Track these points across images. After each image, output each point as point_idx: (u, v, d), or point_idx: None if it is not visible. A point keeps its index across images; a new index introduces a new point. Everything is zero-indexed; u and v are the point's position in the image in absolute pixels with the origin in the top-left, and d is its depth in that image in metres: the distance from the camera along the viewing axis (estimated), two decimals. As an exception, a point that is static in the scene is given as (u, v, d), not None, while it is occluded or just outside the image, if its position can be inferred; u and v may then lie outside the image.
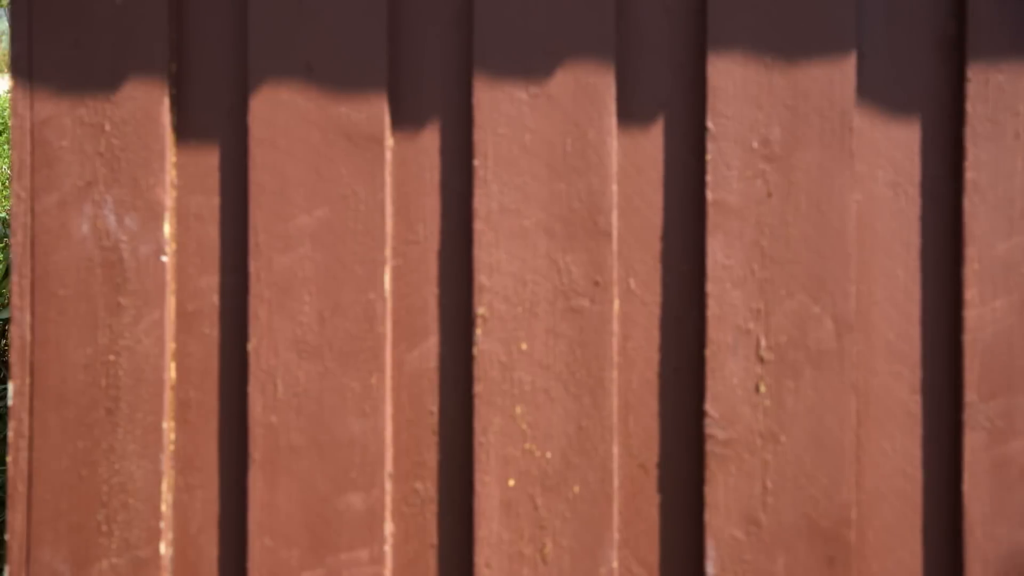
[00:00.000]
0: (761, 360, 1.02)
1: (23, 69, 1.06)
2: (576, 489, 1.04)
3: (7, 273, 4.37)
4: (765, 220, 1.03)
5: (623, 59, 1.05)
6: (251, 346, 1.06)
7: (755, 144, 1.03)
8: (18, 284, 1.06)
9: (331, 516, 1.05)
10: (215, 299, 1.08)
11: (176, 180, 1.07)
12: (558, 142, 1.04)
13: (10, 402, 1.07)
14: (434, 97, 1.07)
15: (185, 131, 1.08)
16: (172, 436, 1.07)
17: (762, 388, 1.02)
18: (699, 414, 1.04)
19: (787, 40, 1.02)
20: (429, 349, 1.07)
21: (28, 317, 1.06)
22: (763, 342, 1.02)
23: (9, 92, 1.06)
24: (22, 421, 1.06)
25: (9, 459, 1.06)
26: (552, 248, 1.04)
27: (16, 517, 1.06)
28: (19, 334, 1.06)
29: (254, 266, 1.06)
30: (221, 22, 1.07)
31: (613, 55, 1.03)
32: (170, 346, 1.06)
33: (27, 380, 1.06)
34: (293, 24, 1.06)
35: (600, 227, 1.04)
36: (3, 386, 4.78)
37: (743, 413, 1.02)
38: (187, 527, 1.08)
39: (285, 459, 1.06)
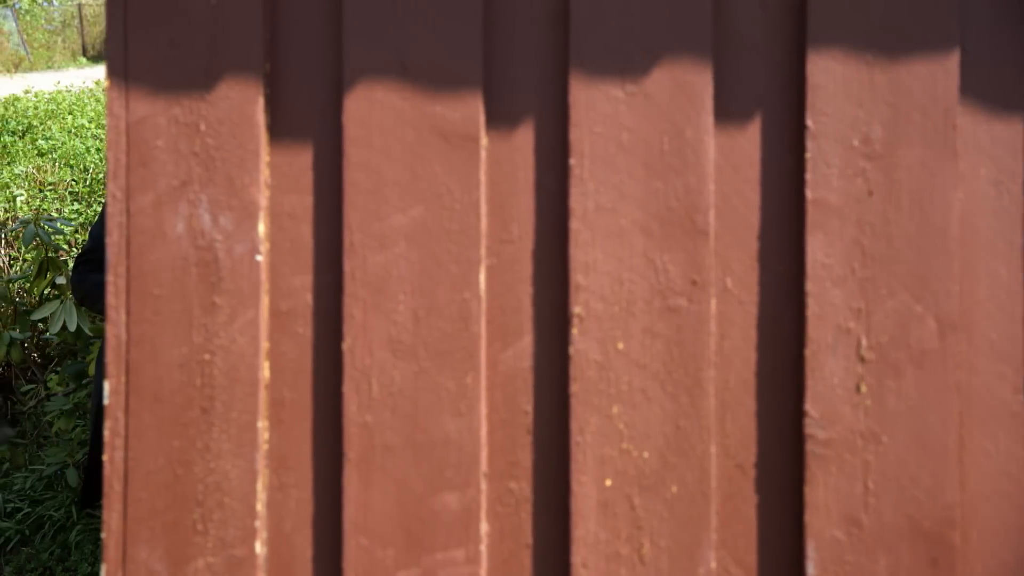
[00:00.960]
0: (862, 360, 1.01)
1: (118, 69, 1.06)
2: (674, 489, 1.03)
3: (39, 272, 4.40)
4: (866, 219, 1.02)
5: (720, 56, 1.04)
6: (346, 345, 1.06)
7: (856, 142, 1.02)
8: (114, 284, 1.07)
9: (426, 515, 1.05)
10: (308, 298, 1.08)
11: (269, 179, 1.07)
12: (655, 140, 1.04)
13: (106, 401, 1.07)
14: (529, 96, 1.06)
15: (279, 130, 1.08)
16: (266, 435, 1.07)
17: (863, 388, 1.01)
18: (797, 414, 1.03)
19: (889, 37, 1.01)
20: (523, 348, 1.06)
21: (124, 316, 1.06)
22: (864, 341, 1.01)
23: (105, 91, 1.06)
24: (118, 420, 1.06)
25: (105, 458, 1.07)
26: (649, 247, 1.04)
27: (112, 515, 1.06)
28: (115, 333, 1.06)
29: (349, 265, 1.06)
30: (315, 22, 1.07)
31: (710, 52, 1.03)
32: (264, 345, 1.07)
33: (123, 379, 1.06)
34: (388, 23, 1.05)
35: (698, 226, 1.03)
36: (30, 387, 4.82)
37: (843, 413, 1.01)
38: (281, 526, 1.08)
39: (380, 458, 1.05)
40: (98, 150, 6.31)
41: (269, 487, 1.07)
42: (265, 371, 1.07)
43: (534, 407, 1.06)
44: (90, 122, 7.14)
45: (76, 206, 5.86)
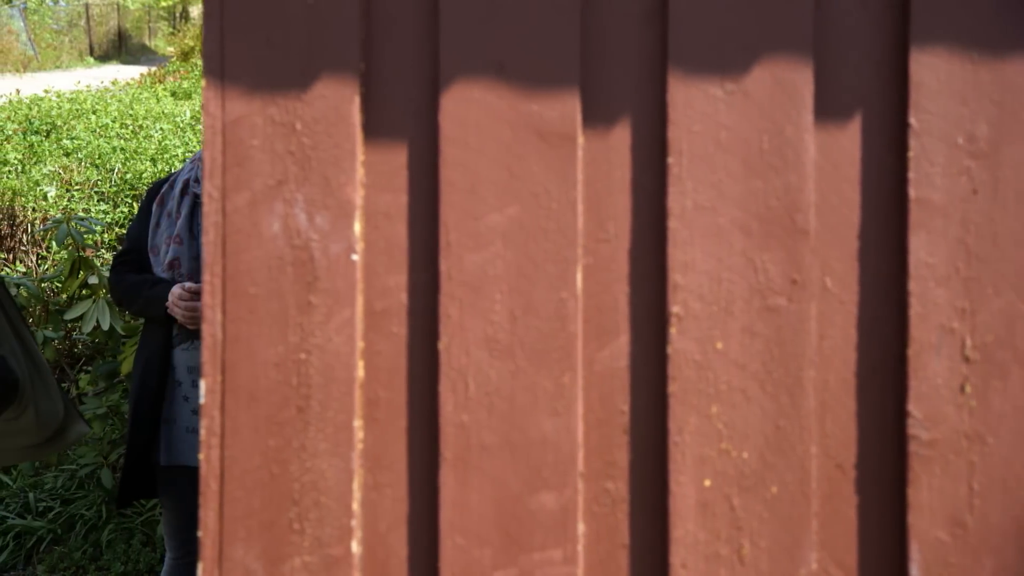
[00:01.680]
0: (967, 360, 1.01)
1: (215, 69, 1.06)
2: (774, 489, 1.03)
3: (71, 272, 4.42)
4: (971, 218, 1.01)
5: (820, 54, 1.03)
6: (442, 345, 1.06)
7: (960, 140, 1.01)
8: (210, 283, 1.07)
9: (523, 515, 1.05)
10: (403, 298, 1.08)
11: (364, 178, 1.07)
12: (754, 139, 1.03)
13: (202, 400, 1.08)
14: (626, 94, 1.06)
15: (373, 130, 1.08)
16: (361, 435, 1.07)
17: (967, 388, 1.01)
18: (898, 414, 1.03)
19: (995, 34, 1.01)
20: (620, 348, 1.06)
21: (219, 315, 1.06)
22: (969, 342, 1.01)
23: (206, 91, 1.06)
24: (214, 419, 1.07)
25: (201, 456, 1.07)
26: (748, 246, 1.03)
27: (209, 514, 1.07)
28: (210, 332, 1.07)
29: (445, 264, 1.06)
30: (411, 21, 1.07)
31: (811, 50, 1.02)
32: (359, 345, 1.07)
33: (219, 378, 1.07)
34: (485, 21, 1.05)
35: (798, 225, 1.03)
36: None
37: (947, 414, 1.01)
38: (376, 525, 1.08)
39: (476, 458, 1.05)
40: (123, 150, 6.34)
41: (364, 486, 1.07)
42: (360, 370, 1.07)
43: (631, 407, 1.06)
44: (113, 121, 7.18)
45: (103, 206, 5.89)
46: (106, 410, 4.34)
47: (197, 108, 7.27)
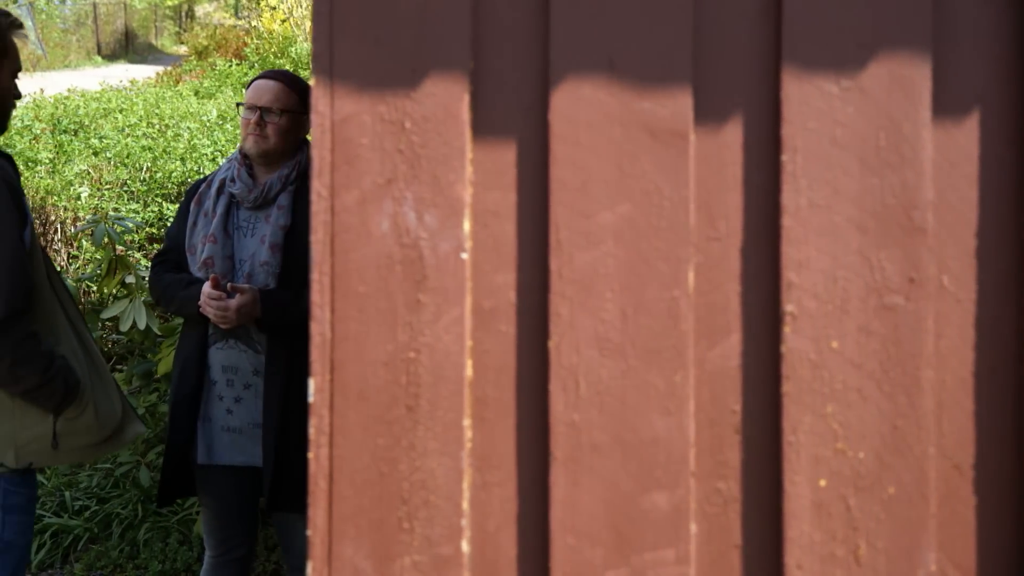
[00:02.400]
0: (1089, 359, 1.00)
1: (324, 67, 1.06)
2: (891, 490, 1.02)
3: (108, 271, 4.43)
4: (1093, 215, 1.00)
5: (939, 50, 1.03)
6: (552, 343, 1.05)
7: (1082, 137, 1.00)
8: (318, 281, 1.07)
9: (635, 515, 1.04)
10: (512, 296, 1.07)
11: (472, 177, 1.07)
12: (871, 136, 1.02)
13: (311, 399, 1.07)
14: (738, 91, 1.05)
15: (482, 128, 1.07)
16: (469, 434, 1.07)
17: (1090, 388, 1.00)
18: (1018, 414, 1.02)
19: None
20: (731, 347, 1.05)
21: (328, 314, 1.06)
22: (1091, 340, 1.00)
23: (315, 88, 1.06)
24: (323, 418, 1.06)
25: (310, 455, 1.07)
26: (864, 244, 1.03)
27: (318, 513, 1.06)
28: (319, 331, 1.07)
29: (555, 263, 1.05)
30: (521, 18, 1.07)
31: (930, 46, 1.01)
32: (468, 343, 1.06)
33: (328, 377, 1.06)
34: (595, 19, 1.05)
35: (915, 222, 1.02)
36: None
37: (1069, 413, 1.00)
38: (484, 525, 1.07)
39: (588, 457, 1.05)
40: (150, 149, 6.36)
41: (472, 485, 1.07)
42: (468, 369, 1.07)
43: (742, 406, 1.05)
44: (139, 120, 7.21)
45: (133, 205, 5.91)
46: (143, 410, 4.35)
47: (223, 107, 7.30)
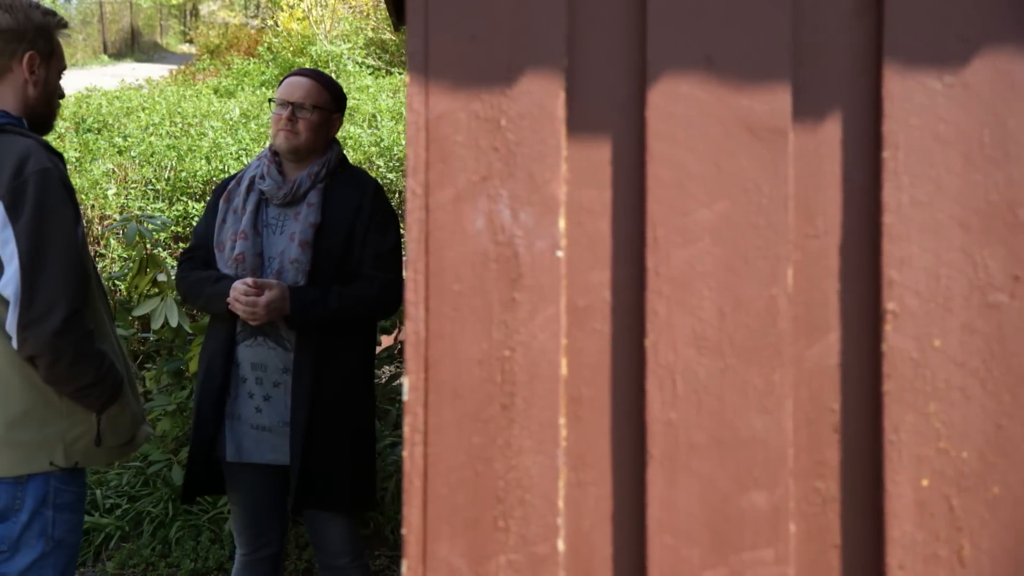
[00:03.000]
0: None
1: (419, 65, 1.06)
2: (995, 490, 1.01)
3: (139, 269, 4.45)
4: None
5: (1044, 46, 1.02)
6: (648, 342, 1.05)
7: None
8: (413, 279, 1.06)
9: (733, 514, 1.04)
10: (606, 294, 1.07)
11: (567, 174, 1.07)
12: (975, 132, 1.01)
13: (405, 397, 1.07)
14: (837, 87, 1.04)
15: (576, 125, 1.07)
16: (564, 432, 1.06)
17: None
18: (1124, 413, 1.01)
19: None
20: (829, 345, 1.05)
21: (423, 312, 1.06)
22: None
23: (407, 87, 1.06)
24: (417, 416, 1.06)
25: (405, 454, 1.07)
26: (967, 242, 1.02)
27: (413, 512, 1.06)
28: (414, 329, 1.06)
29: (652, 261, 1.05)
30: (617, 15, 1.06)
31: (1035, 42, 1.00)
32: (562, 342, 1.06)
33: (422, 375, 1.06)
34: (693, 15, 1.04)
35: (1020, 220, 1.01)
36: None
37: None
38: (579, 524, 1.07)
39: (685, 456, 1.04)
40: (174, 147, 6.38)
41: (567, 484, 1.07)
42: (563, 368, 1.06)
43: (841, 404, 1.04)
44: (161, 119, 7.23)
45: (158, 204, 5.93)
46: (174, 406, 4.37)
47: (246, 106, 7.31)
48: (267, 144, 3.03)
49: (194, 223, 5.86)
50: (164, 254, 5.50)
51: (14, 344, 2.08)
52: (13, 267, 2.04)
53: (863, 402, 1.04)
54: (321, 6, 10.61)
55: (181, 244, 5.88)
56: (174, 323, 4.17)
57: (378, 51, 10.55)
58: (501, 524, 1.06)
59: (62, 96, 2.34)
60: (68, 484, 2.23)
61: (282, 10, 11.21)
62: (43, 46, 2.22)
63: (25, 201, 2.04)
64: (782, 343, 1.03)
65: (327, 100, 2.93)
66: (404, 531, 1.06)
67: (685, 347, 1.04)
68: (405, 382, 1.07)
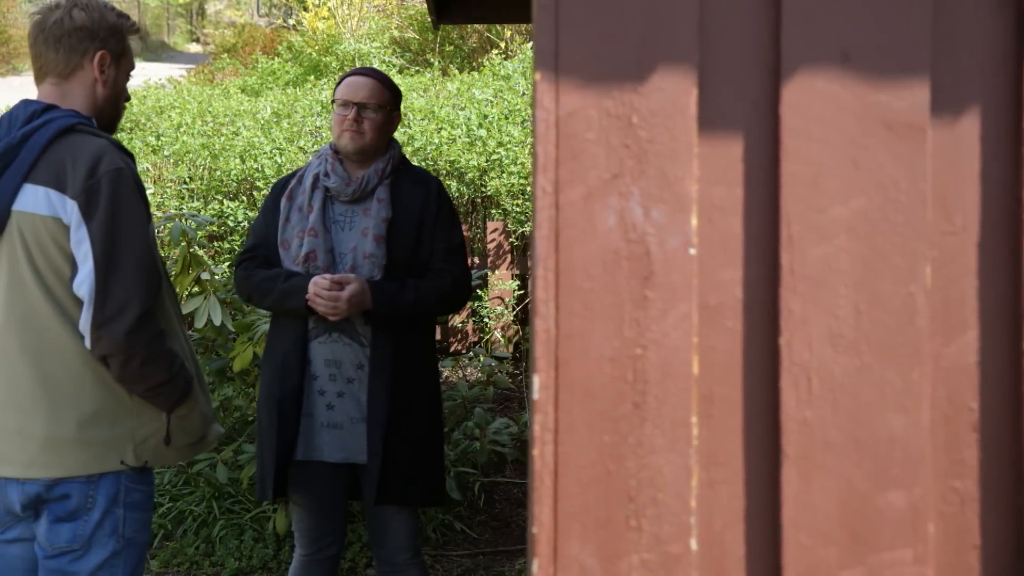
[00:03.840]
0: None
1: (549, 63, 1.05)
2: None
3: (183, 269, 4.46)
4: None
5: None
6: (783, 340, 1.04)
7: None
8: (543, 277, 1.06)
9: (871, 514, 1.03)
10: (738, 292, 1.06)
11: (698, 172, 1.06)
12: (1119, 128, 1.00)
13: (535, 396, 1.07)
14: (975, 83, 1.03)
15: (707, 122, 1.06)
16: (695, 431, 1.06)
17: None
18: None
19: None
20: (968, 343, 1.03)
21: (553, 310, 1.06)
22: None
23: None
24: (547, 415, 1.06)
25: (535, 452, 1.06)
26: (1112, 238, 1.00)
27: (543, 511, 1.06)
28: (544, 327, 1.06)
29: (786, 258, 1.04)
30: (749, 10, 1.05)
31: None
32: (694, 340, 1.05)
33: (552, 374, 1.06)
34: (828, 10, 1.03)
35: None
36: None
37: None
38: (711, 523, 1.06)
39: (820, 455, 1.03)
40: (207, 146, 6.40)
41: (699, 483, 1.06)
42: (694, 366, 1.05)
43: (980, 404, 1.03)
44: (193, 119, 7.25)
45: (194, 203, 5.96)
46: (217, 403, 4.38)
47: (277, 105, 7.33)
48: (326, 143, 3.03)
49: (229, 222, 5.89)
50: (200, 252, 5.52)
51: (87, 344, 2.09)
52: (87, 267, 2.05)
53: (1003, 401, 1.03)
54: (347, 4, 10.64)
55: (216, 244, 5.91)
56: (217, 322, 4.19)
57: (400, 50, 10.57)
58: (633, 523, 1.05)
59: (128, 99, 2.35)
60: (138, 483, 2.24)
61: (306, 10, 11.24)
62: (114, 46, 2.23)
63: (99, 201, 2.05)
64: (920, 341, 1.02)
65: (388, 98, 2.94)
66: (535, 530, 1.06)
67: (820, 345, 1.04)
68: (535, 380, 1.06)
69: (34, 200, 2.05)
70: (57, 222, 2.05)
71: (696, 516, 1.05)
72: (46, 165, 2.06)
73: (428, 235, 2.92)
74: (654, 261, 1.05)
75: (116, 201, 2.06)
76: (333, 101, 2.93)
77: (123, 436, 2.17)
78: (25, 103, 2.14)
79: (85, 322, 2.07)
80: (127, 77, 2.32)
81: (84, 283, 2.05)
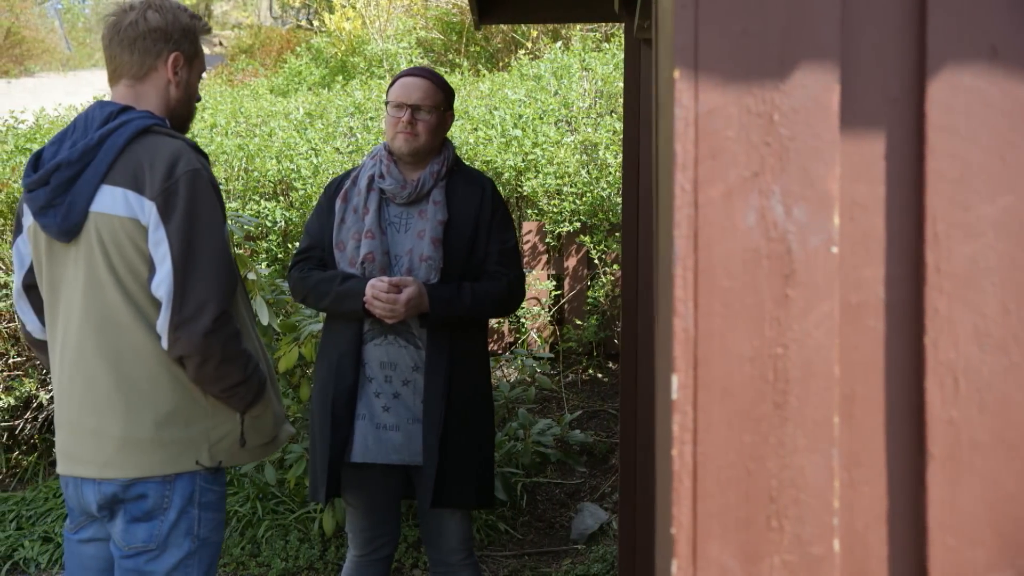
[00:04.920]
0: None
1: (688, 60, 1.04)
2: None
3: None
4: None
5: None
6: (928, 339, 1.03)
7: None
8: (681, 276, 1.05)
9: (1020, 516, 1.02)
10: (880, 291, 1.05)
11: (839, 169, 1.05)
12: None
13: (674, 395, 1.06)
14: None
15: (849, 119, 1.05)
16: (836, 431, 1.04)
17: None
18: None
19: None
20: (1118, 342, 1.02)
21: (692, 310, 1.05)
22: None
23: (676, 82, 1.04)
24: (686, 415, 1.05)
25: (674, 452, 1.06)
26: None
27: (683, 511, 1.05)
28: (682, 327, 1.05)
29: (932, 257, 1.03)
30: (894, 6, 1.04)
31: None
32: (836, 339, 1.04)
33: (691, 373, 1.05)
34: (975, 5, 1.02)
35: None
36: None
37: None
38: (853, 524, 1.05)
39: (967, 456, 1.02)
40: (241, 148, 6.41)
41: (840, 483, 1.05)
42: (836, 365, 1.04)
43: None
44: (228, 121, 7.27)
45: (232, 204, 5.97)
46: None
47: (309, 106, 7.34)
48: (380, 143, 3.03)
49: (267, 223, 5.90)
50: (239, 253, 5.54)
51: (164, 344, 2.10)
52: (165, 268, 2.06)
53: None
54: (374, 4, 10.65)
55: (252, 243, 5.92)
56: (265, 322, 4.20)
57: (424, 51, 10.57)
58: (774, 524, 1.04)
59: (199, 99, 2.36)
60: (212, 483, 2.25)
61: (330, 11, 11.27)
62: (188, 48, 2.24)
63: (177, 202, 2.06)
64: (1069, 340, 1.01)
65: (442, 99, 2.93)
66: (673, 531, 1.05)
67: (967, 344, 1.02)
68: (674, 380, 1.05)
69: (112, 201, 2.07)
70: (135, 223, 2.06)
71: (839, 517, 1.04)
72: (124, 166, 2.08)
73: (483, 237, 2.91)
74: (795, 259, 1.04)
75: (193, 202, 2.07)
76: (387, 103, 2.93)
77: (198, 436, 2.18)
78: (101, 104, 2.16)
79: (163, 323, 2.08)
80: (199, 78, 2.33)
81: (162, 284, 2.07)
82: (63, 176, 2.06)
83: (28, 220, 2.21)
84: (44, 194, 2.08)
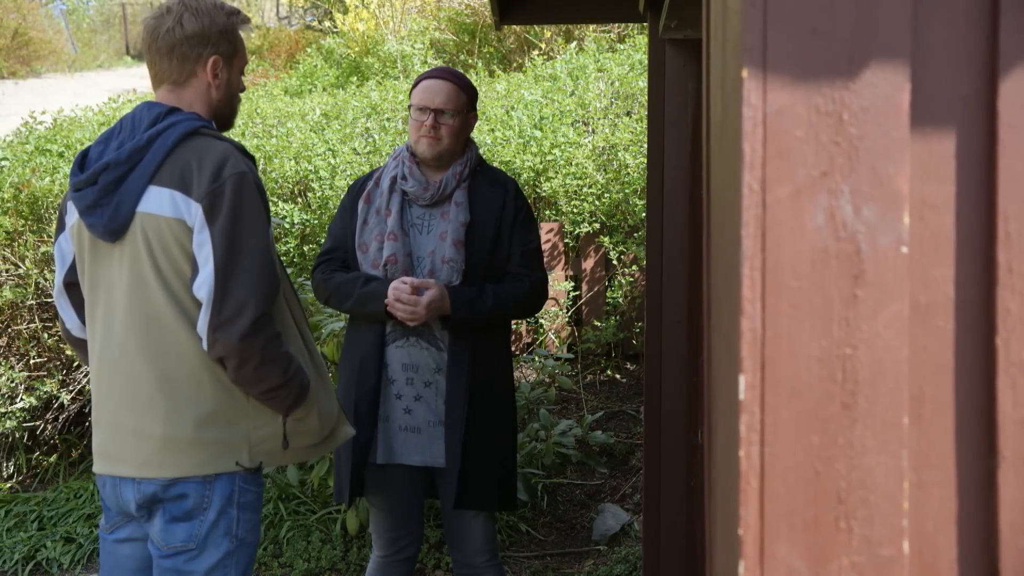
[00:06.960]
0: None
1: (756, 59, 1.04)
2: None
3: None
4: None
5: None
6: (1000, 339, 1.02)
7: None
8: (749, 276, 1.05)
9: (1093, 517, 1.01)
10: (949, 291, 1.05)
11: (909, 169, 1.04)
12: None
13: (741, 396, 1.06)
14: None
15: (918, 118, 1.04)
16: (905, 432, 1.04)
17: None
18: None
19: None
20: None
21: (759, 310, 1.04)
22: None
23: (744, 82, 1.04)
24: (753, 415, 1.05)
25: (741, 453, 1.05)
26: None
27: (750, 512, 1.05)
28: (750, 327, 1.05)
29: (1004, 256, 1.02)
30: (965, 3, 1.03)
31: None
32: (905, 340, 1.03)
33: (759, 374, 1.05)
34: (1048, 4, 1.01)
35: None
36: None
37: None
38: (922, 525, 1.05)
39: (1039, 457, 1.02)
40: (260, 148, 6.42)
41: (910, 485, 1.04)
42: (905, 366, 1.04)
43: None
44: (245, 122, 7.29)
45: (250, 205, 5.99)
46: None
47: (325, 107, 7.35)
48: (404, 144, 3.02)
49: (286, 224, 5.91)
50: (257, 254, 5.56)
51: (204, 345, 2.10)
52: (208, 269, 2.06)
53: None
54: (388, 5, 10.66)
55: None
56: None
57: (438, 51, 10.58)
58: (843, 525, 1.04)
59: (243, 90, 2.36)
60: (250, 484, 2.25)
61: (343, 12, 11.28)
62: (226, 48, 2.24)
63: (222, 205, 2.07)
64: None
65: (465, 102, 2.92)
66: (741, 531, 1.05)
67: (1039, 345, 1.02)
68: (741, 380, 1.05)
69: (159, 202, 2.07)
70: (181, 224, 2.07)
71: (908, 519, 1.04)
72: (171, 167, 2.08)
73: (506, 239, 2.90)
74: (864, 259, 1.03)
75: (239, 205, 2.07)
76: (409, 105, 2.92)
77: (239, 437, 2.18)
78: (148, 105, 2.16)
79: (203, 324, 2.08)
80: (241, 72, 2.33)
81: (204, 285, 2.07)
82: (111, 176, 2.07)
83: (71, 218, 2.22)
84: (91, 194, 2.09)
